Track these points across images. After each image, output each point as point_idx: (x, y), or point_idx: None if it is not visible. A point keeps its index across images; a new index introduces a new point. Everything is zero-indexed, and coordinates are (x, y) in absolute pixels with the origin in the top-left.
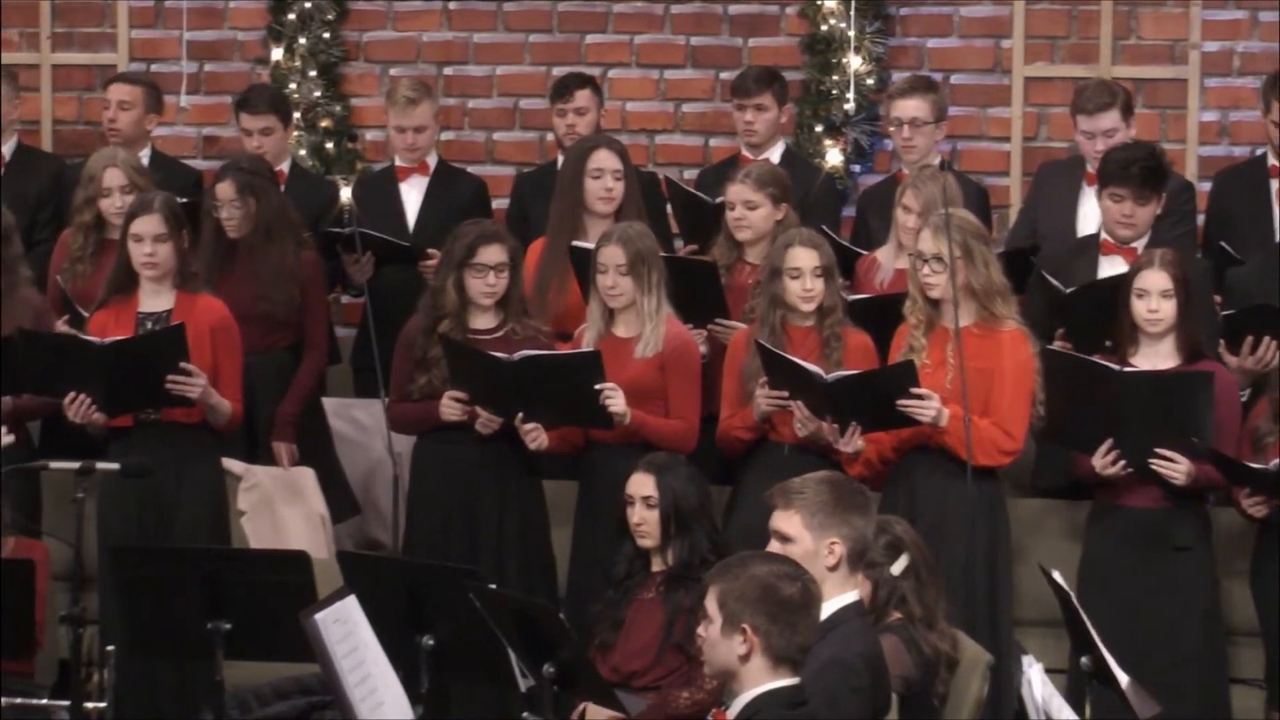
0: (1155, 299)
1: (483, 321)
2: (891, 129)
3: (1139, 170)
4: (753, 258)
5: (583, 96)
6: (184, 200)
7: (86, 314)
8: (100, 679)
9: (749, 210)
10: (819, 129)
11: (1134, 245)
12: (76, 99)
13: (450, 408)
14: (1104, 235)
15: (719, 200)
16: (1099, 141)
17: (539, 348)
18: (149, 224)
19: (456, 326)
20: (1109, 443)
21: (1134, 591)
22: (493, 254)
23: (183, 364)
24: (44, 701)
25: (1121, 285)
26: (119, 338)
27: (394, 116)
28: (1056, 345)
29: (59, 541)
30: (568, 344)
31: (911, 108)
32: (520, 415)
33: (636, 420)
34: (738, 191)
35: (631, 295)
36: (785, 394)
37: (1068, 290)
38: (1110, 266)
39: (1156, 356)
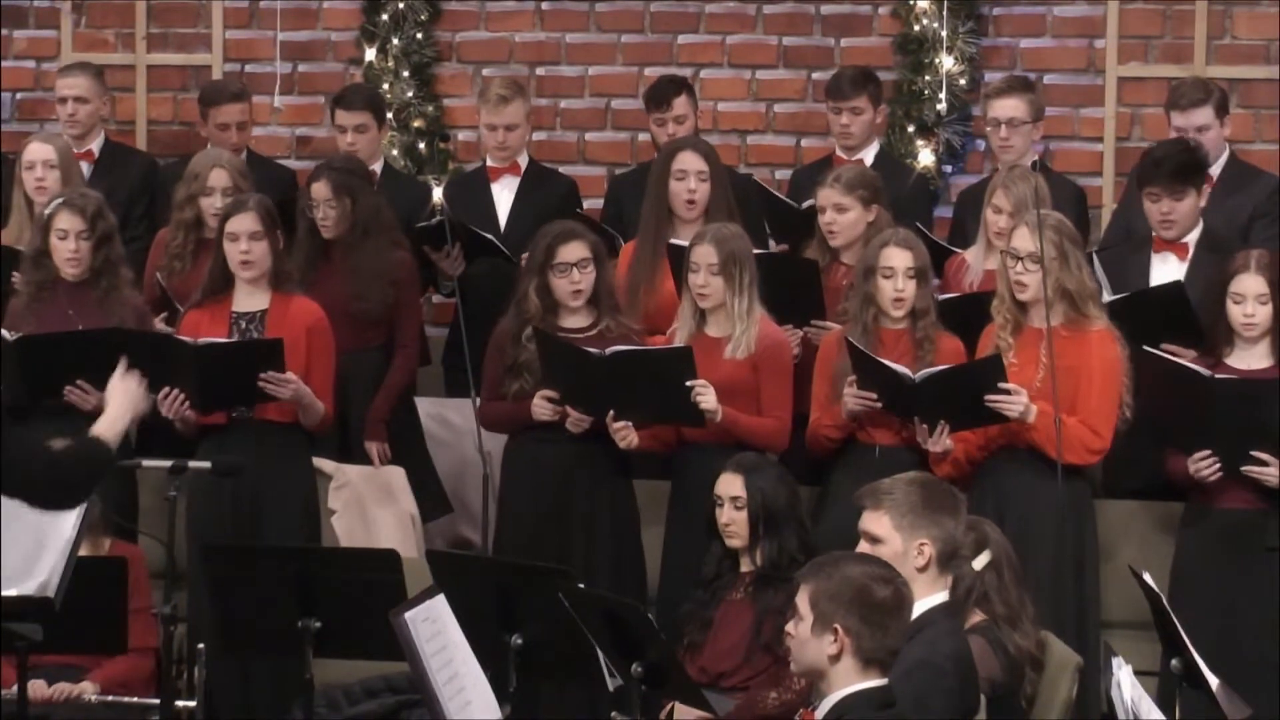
0: (1251, 304)
1: (575, 320)
2: (988, 129)
3: (1171, 166)
4: (848, 259)
5: (680, 104)
6: (277, 200)
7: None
8: (191, 676)
9: (839, 214)
10: (911, 129)
11: (1185, 241)
12: (171, 99)
13: (542, 407)
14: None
15: (807, 204)
16: (1191, 138)
17: (632, 345)
18: (244, 222)
19: (546, 327)
20: (1206, 452)
21: (1226, 593)
22: (572, 251)
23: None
24: (135, 699)
25: (1216, 286)
26: (214, 340)
27: (485, 114)
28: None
29: (152, 539)
30: (659, 340)
31: (1009, 107)
32: (610, 414)
33: (728, 418)
34: (827, 195)
35: (722, 295)
36: (873, 396)
37: (1113, 296)
38: (1162, 263)
39: (1251, 358)
